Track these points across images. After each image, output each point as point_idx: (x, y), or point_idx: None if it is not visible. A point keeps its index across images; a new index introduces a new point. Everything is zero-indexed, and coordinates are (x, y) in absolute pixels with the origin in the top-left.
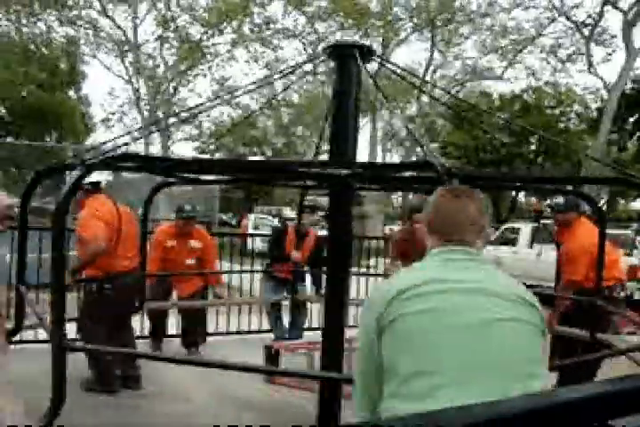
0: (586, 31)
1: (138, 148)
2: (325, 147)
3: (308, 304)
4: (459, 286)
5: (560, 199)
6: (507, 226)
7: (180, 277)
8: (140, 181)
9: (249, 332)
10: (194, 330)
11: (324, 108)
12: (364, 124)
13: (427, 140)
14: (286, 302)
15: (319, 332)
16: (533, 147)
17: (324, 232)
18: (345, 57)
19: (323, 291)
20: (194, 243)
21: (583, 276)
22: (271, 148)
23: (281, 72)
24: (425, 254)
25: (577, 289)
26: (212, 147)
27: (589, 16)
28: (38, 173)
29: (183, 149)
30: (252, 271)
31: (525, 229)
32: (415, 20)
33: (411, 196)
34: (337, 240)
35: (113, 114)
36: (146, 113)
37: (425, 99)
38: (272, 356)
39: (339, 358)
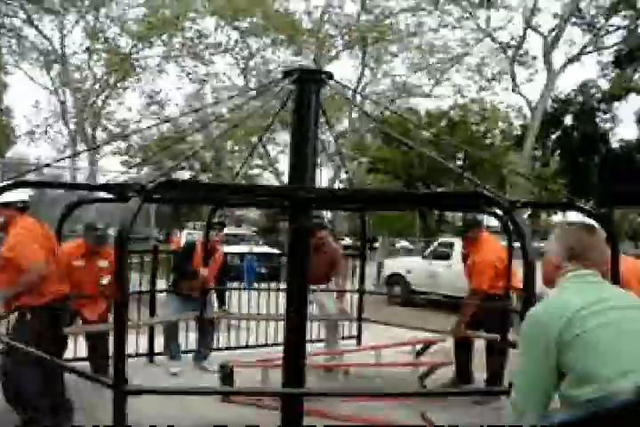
0: (510, 52)
1: (64, 161)
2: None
3: (244, 322)
4: (618, 304)
5: (469, 216)
6: (441, 240)
7: (84, 299)
8: (64, 198)
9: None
10: (99, 355)
11: (254, 124)
12: None
13: (357, 156)
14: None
15: (266, 349)
16: (460, 162)
17: (229, 249)
18: (305, 82)
19: (225, 307)
20: (102, 263)
21: (488, 285)
22: (200, 162)
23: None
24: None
25: (483, 296)
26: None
27: (512, 38)
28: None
29: (110, 162)
30: (166, 290)
31: (459, 243)
32: (346, 37)
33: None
34: (296, 258)
35: (38, 126)
36: (72, 126)
37: (354, 115)
38: (228, 374)
39: (300, 373)
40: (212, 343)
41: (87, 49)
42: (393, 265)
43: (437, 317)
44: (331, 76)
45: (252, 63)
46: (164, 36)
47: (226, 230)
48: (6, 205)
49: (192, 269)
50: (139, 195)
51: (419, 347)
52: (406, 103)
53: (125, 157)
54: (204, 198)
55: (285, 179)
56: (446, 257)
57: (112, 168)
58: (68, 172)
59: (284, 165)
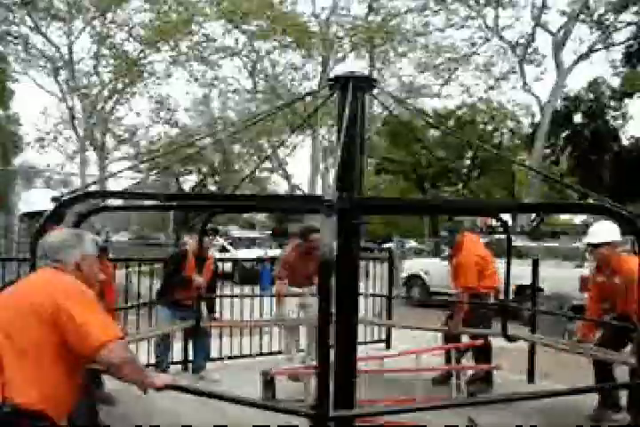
0: (519, 51)
1: (73, 167)
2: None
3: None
4: None
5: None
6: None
7: None
8: None
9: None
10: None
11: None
12: (305, 140)
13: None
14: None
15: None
16: (468, 162)
17: (243, 253)
18: (353, 89)
19: (215, 315)
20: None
21: (475, 282)
22: (208, 165)
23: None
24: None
25: (472, 294)
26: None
27: (522, 36)
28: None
29: (119, 168)
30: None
31: None
32: (354, 38)
33: None
34: (345, 265)
35: (48, 133)
36: (81, 132)
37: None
38: (269, 382)
39: (351, 389)
40: (207, 353)
41: (95, 55)
42: (411, 266)
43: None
44: (374, 83)
45: (259, 66)
46: (172, 41)
47: (238, 234)
48: (33, 215)
49: (184, 277)
50: None
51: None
52: (415, 103)
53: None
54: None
55: (294, 181)
56: (438, 253)
57: (122, 174)
58: (77, 178)
59: (292, 167)
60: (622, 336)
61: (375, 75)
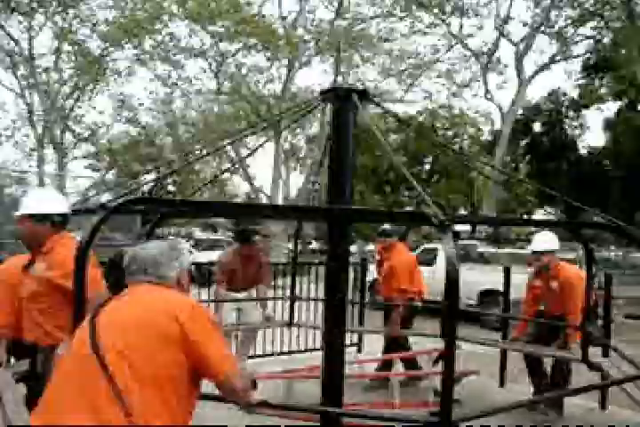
0: (482, 59)
1: (31, 164)
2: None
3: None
4: None
5: (386, 226)
6: (424, 247)
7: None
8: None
9: None
10: None
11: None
12: (268, 143)
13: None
14: None
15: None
16: (428, 167)
17: (206, 255)
18: (344, 101)
19: None
20: None
21: (407, 285)
22: (167, 166)
23: (281, 113)
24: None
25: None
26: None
27: (486, 45)
28: None
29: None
30: None
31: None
32: (319, 43)
33: None
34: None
35: (6, 129)
36: (39, 129)
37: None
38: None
39: (339, 389)
40: None
41: (56, 51)
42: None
43: (425, 322)
44: (367, 95)
45: (224, 67)
46: (136, 39)
47: (202, 236)
48: (40, 218)
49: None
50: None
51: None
52: (376, 108)
53: (91, 161)
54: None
55: (256, 183)
56: (430, 263)
57: (81, 172)
58: (34, 176)
59: (254, 169)
60: (552, 333)
61: (339, 79)
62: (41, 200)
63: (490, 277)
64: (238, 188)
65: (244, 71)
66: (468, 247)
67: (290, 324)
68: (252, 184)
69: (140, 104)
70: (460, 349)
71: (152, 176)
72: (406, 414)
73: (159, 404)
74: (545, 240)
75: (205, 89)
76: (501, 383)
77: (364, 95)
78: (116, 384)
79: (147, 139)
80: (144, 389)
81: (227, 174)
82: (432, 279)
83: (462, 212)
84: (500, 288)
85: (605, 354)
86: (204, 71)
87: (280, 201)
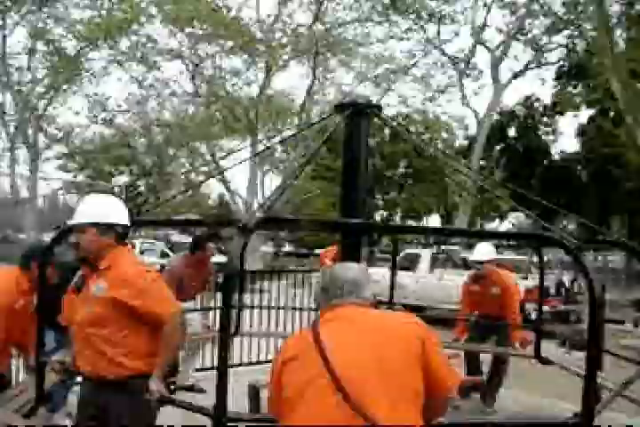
0: (458, 65)
1: (1, 165)
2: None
3: None
4: None
5: None
6: (407, 252)
7: None
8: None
9: None
10: None
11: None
12: (244, 146)
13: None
14: None
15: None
16: (402, 170)
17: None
18: (357, 115)
19: None
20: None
21: None
22: (140, 167)
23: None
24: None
25: None
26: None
27: (462, 51)
28: None
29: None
30: None
31: (425, 254)
32: (297, 46)
33: None
34: None
35: None
36: (12, 129)
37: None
38: (255, 395)
39: None
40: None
41: (30, 50)
42: None
43: None
44: (380, 109)
45: (201, 70)
46: (112, 40)
47: (179, 239)
48: (105, 229)
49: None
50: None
51: None
52: None
53: (61, 162)
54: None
55: (232, 186)
56: (411, 268)
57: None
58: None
59: (230, 171)
60: (490, 333)
61: (316, 83)
62: (106, 208)
63: None
64: (212, 190)
65: (220, 73)
66: (451, 253)
67: (235, 333)
68: (227, 187)
69: (119, 106)
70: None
71: (125, 178)
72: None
73: (413, 419)
74: (486, 251)
75: (182, 91)
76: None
77: (379, 110)
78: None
79: (121, 140)
80: (398, 404)
81: (201, 176)
82: (415, 283)
83: (436, 215)
84: None
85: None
86: (181, 73)
87: (256, 204)
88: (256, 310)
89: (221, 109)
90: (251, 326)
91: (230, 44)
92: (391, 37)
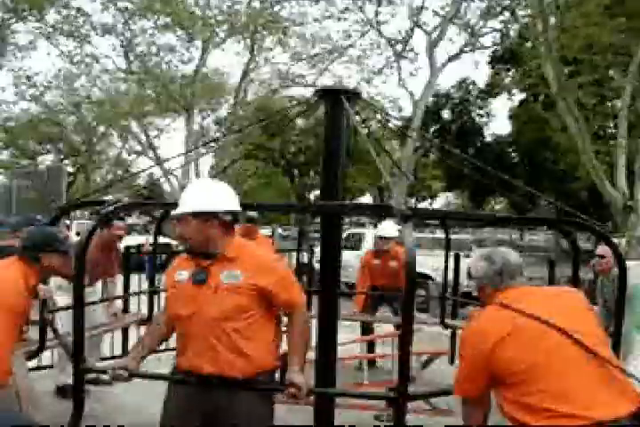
0: (396, 47)
1: None
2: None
3: None
4: None
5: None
6: (351, 231)
7: None
8: None
9: None
10: None
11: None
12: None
13: (238, 143)
14: None
15: None
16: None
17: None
18: (338, 101)
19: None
20: None
21: None
22: (68, 146)
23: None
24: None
25: None
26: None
27: (400, 33)
28: None
29: None
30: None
31: (369, 234)
32: (233, 23)
33: None
34: (327, 261)
35: None
36: None
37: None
38: None
39: (333, 371)
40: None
41: None
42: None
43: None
44: (359, 95)
45: (135, 46)
46: (39, 11)
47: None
48: (206, 218)
49: None
50: None
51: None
52: (288, 92)
53: None
54: None
55: (167, 165)
56: (356, 247)
57: None
58: None
59: (163, 150)
60: (382, 303)
61: (252, 62)
62: (208, 196)
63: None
64: (141, 168)
65: (154, 50)
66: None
67: (148, 319)
68: (161, 166)
69: (49, 82)
70: (422, 331)
71: (51, 157)
72: (371, 391)
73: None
74: (390, 227)
75: (114, 68)
76: (452, 361)
77: (358, 96)
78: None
79: (49, 118)
80: (599, 347)
81: (133, 155)
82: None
83: (369, 195)
84: (428, 272)
85: None
86: (114, 49)
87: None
88: None
89: (155, 87)
90: None
91: (166, 19)
92: (328, 17)
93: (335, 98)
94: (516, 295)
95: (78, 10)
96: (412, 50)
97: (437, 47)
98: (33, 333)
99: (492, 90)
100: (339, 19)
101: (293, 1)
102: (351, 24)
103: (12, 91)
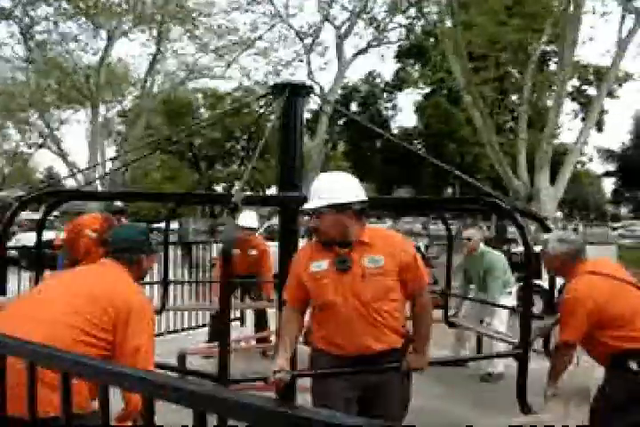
0: (306, 40)
1: None
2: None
3: None
4: None
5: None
6: (269, 224)
7: None
8: None
9: None
10: None
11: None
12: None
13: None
14: None
15: None
16: (244, 144)
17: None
18: (293, 96)
19: None
20: None
21: None
22: None
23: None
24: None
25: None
26: None
27: (310, 27)
28: None
29: None
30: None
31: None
32: (139, 14)
33: None
34: (286, 253)
35: None
36: None
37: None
38: (181, 363)
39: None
40: None
41: None
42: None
43: None
44: (312, 90)
45: (35, 33)
46: None
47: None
48: (340, 209)
49: None
50: None
51: None
52: (195, 84)
53: None
54: None
55: (70, 158)
56: (275, 239)
57: None
58: None
59: (66, 143)
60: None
61: (158, 53)
62: (337, 187)
63: None
64: (37, 163)
65: (55, 37)
66: None
67: (162, 309)
68: (65, 159)
69: None
70: None
71: None
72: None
73: None
74: (251, 218)
75: (12, 56)
76: None
77: (311, 90)
78: None
79: None
80: None
81: (33, 149)
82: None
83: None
84: None
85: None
86: (11, 36)
87: (97, 177)
88: None
89: (57, 77)
90: None
91: (67, 6)
92: (235, 9)
93: (292, 92)
94: (594, 265)
95: None
96: (321, 43)
97: (346, 41)
98: None
99: (398, 84)
100: (246, 10)
101: None
102: (259, 16)
103: None
